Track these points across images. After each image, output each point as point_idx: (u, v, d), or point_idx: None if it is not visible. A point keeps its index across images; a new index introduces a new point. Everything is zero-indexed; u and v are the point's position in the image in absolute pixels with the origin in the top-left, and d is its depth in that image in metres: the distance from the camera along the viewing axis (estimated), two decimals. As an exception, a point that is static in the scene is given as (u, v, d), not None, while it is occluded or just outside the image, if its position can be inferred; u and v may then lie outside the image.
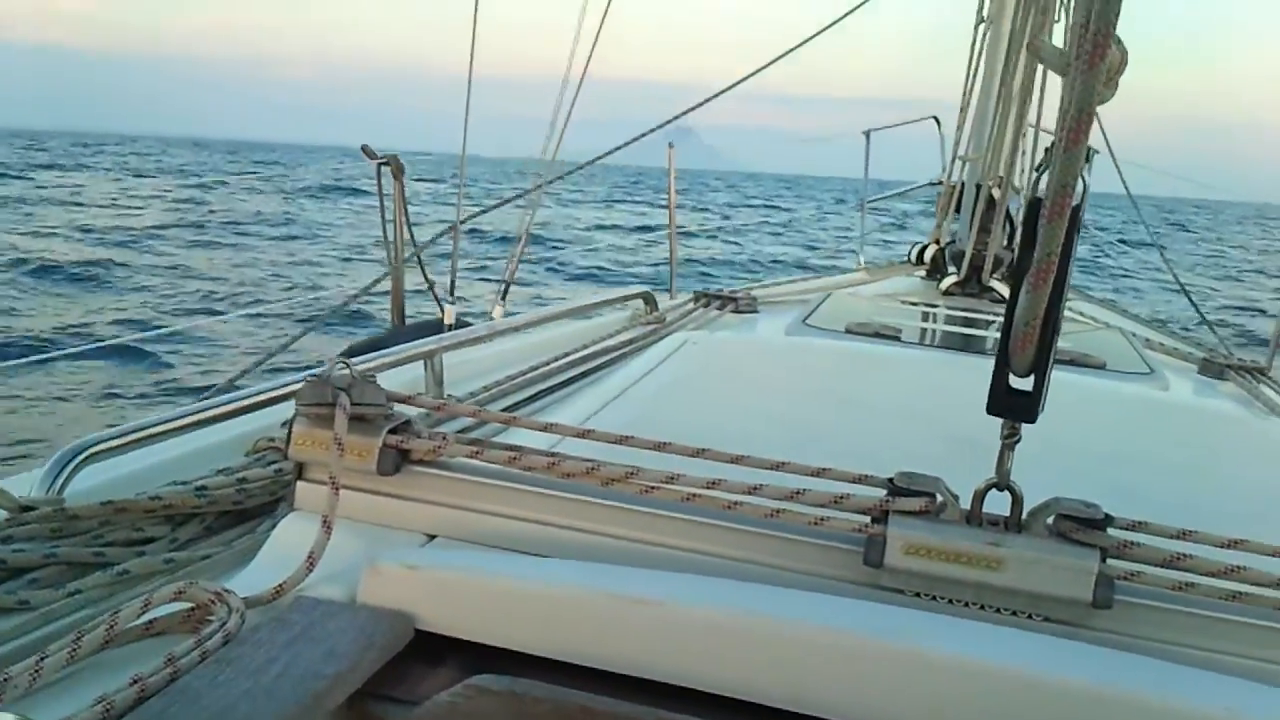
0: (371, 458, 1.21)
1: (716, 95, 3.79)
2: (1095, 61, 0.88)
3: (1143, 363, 2.86)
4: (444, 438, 1.25)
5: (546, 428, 1.40)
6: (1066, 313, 4.27)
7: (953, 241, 4.49)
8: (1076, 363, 2.74)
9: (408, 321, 3.92)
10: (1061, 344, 3.07)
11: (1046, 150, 1.00)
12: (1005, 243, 4.29)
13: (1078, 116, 0.92)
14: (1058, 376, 2.56)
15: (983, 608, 1.11)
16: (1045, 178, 0.99)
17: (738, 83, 3.73)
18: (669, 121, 3.33)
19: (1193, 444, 1.99)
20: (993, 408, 1.09)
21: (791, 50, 4.21)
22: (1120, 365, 2.80)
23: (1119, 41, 0.93)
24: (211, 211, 22.38)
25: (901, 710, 0.95)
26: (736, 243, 22.16)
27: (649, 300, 3.28)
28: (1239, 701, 0.94)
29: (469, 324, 3.41)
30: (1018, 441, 1.12)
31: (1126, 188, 4.96)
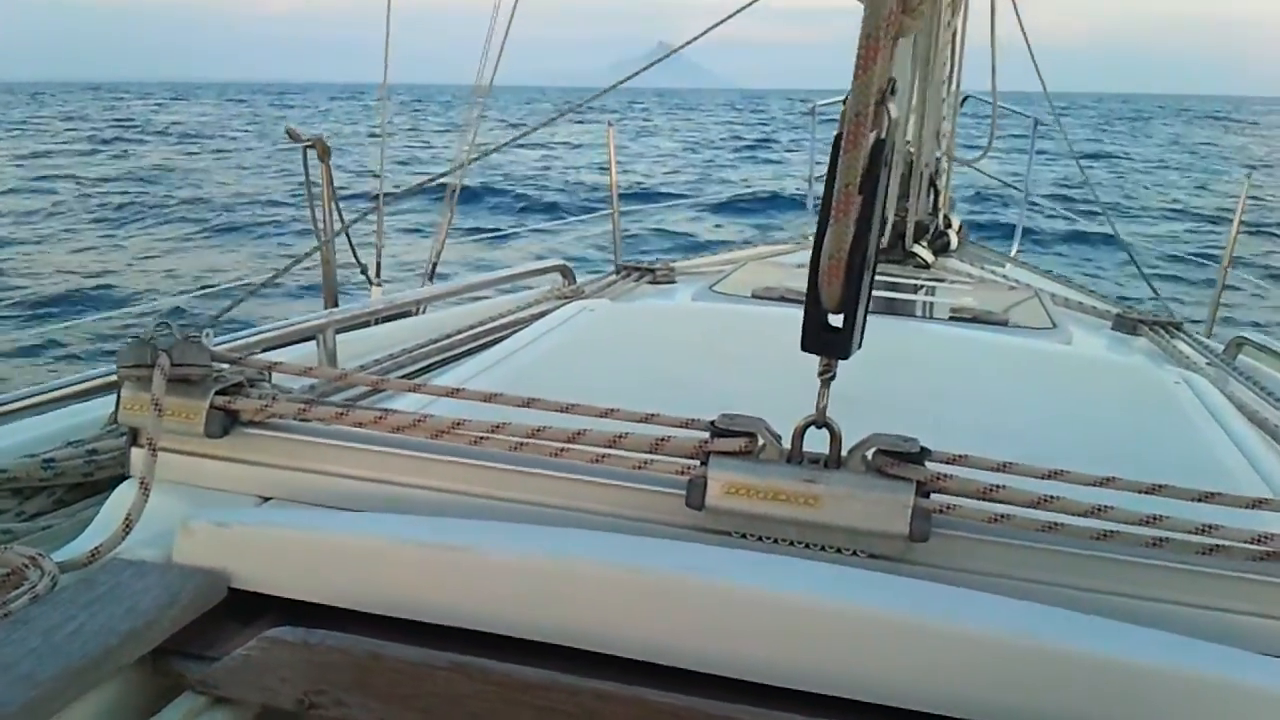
0: (198, 419, 1.20)
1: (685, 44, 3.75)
2: None
3: (1048, 319, 2.88)
4: (273, 397, 1.24)
5: (414, 388, 1.40)
6: (982, 273, 4.22)
7: None
8: (979, 319, 2.76)
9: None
10: (967, 302, 3.10)
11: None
12: (930, 209, 4.33)
13: (866, 43, 0.92)
14: (955, 333, 2.57)
15: (807, 546, 1.12)
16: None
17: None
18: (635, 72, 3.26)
19: (1080, 393, 2.00)
20: (806, 344, 1.09)
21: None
22: (1024, 321, 2.82)
23: None
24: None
25: (715, 650, 0.96)
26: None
27: (566, 273, 3.28)
28: (1042, 627, 0.97)
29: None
30: (832, 378, 1.12)
31: (1046, 91, 4.96)
